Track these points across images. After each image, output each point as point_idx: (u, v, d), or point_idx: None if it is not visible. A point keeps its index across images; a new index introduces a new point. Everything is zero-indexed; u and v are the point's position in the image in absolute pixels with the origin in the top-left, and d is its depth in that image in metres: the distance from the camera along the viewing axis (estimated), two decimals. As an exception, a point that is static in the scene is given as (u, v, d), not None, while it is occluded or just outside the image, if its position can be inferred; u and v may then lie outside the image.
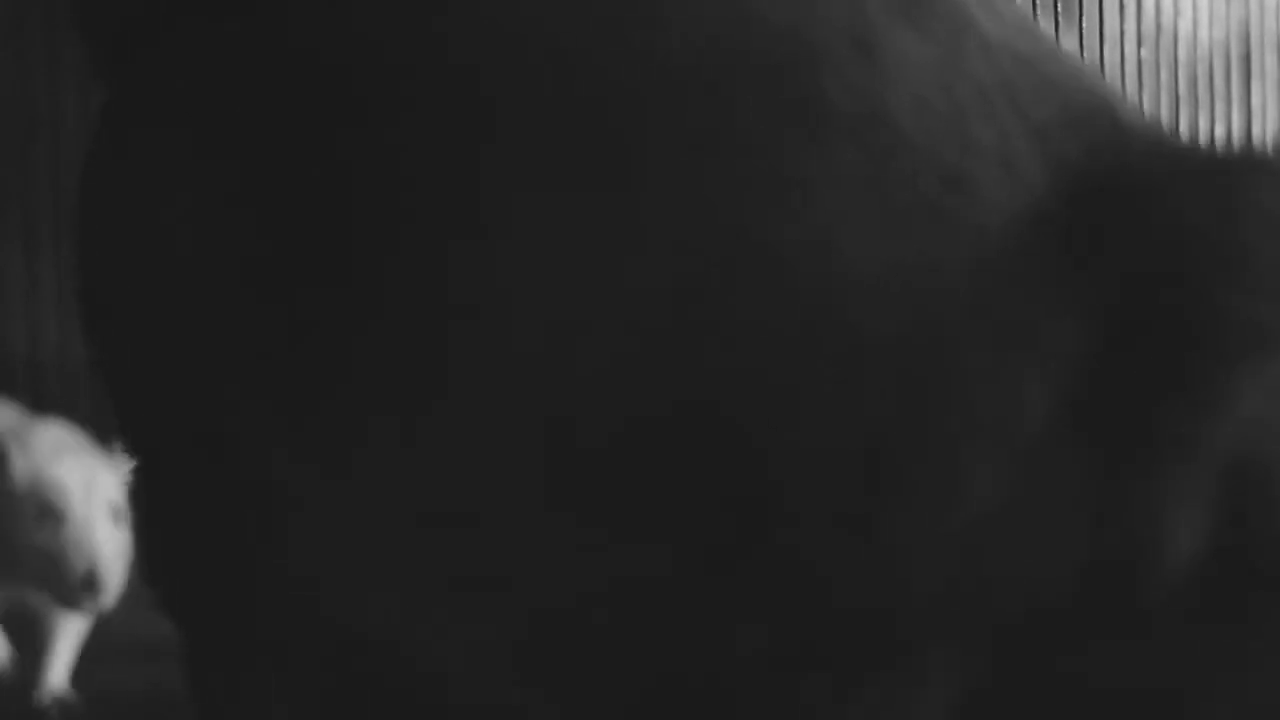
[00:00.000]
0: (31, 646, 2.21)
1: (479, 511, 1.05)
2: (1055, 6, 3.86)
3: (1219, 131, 3.95)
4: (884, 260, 0.97)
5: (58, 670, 2.21)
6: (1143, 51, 3.94)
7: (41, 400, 2.58)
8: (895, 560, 0.96)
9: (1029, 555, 0.95)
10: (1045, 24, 3.80)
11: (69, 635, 2.21)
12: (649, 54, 1.03)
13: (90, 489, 2.06)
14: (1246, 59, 4.06)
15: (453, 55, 1.09)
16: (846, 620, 0.97)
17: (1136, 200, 1.00)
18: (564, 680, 1.06)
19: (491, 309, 1.03)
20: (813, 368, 0.96)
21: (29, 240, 3.12)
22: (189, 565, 1.23)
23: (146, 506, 1.26)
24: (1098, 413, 0.96)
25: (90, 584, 2.02)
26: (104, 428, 2.08)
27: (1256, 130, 3.98)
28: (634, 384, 0.99)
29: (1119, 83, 3.82)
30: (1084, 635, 0.95)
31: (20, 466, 2.05)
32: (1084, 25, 3.87)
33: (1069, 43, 3.80)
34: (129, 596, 2.22)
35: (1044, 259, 0.98)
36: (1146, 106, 3.82)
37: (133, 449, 1.27)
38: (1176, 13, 3.98)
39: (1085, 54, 3.84)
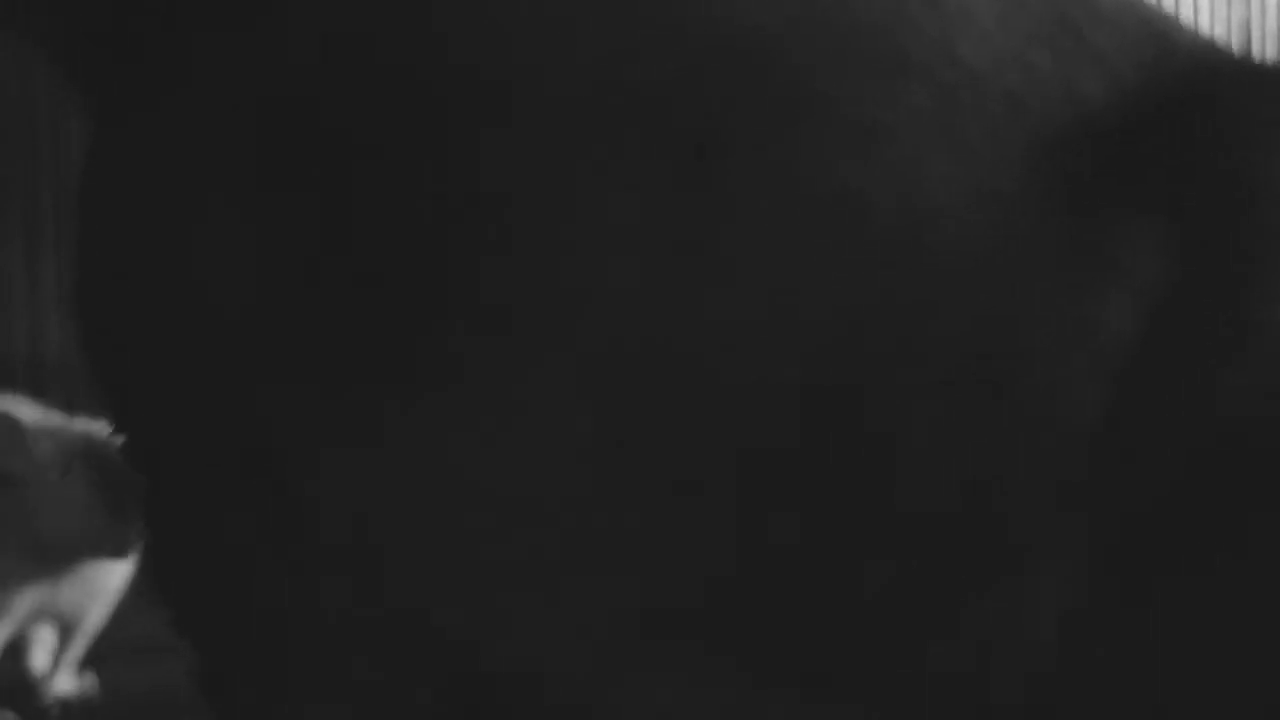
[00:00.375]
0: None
1: (592, 493, 1.06)
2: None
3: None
4: (958, 189, 1.02)
5: (64, 672, 2.21)
6: (1144, 51, 3.93)
7: (42, 400, 2.57)
8: (1007, 477, 0.99)
9: (1132, 464, 0.98)
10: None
11: (81, 638, 2.21)
12: (720, 30, 1.06)
13: None
14: (1247, 58, 4.05)
15: (507, 49, 1.10)
16: (963, 541, 1.01)
17: (1192, 110, 1.04)
18: (686, 652, 1.07)
19: (590, 292, 1.05)
20: (906, 303, 1.01)
21: (30, 240, 3.12)
22: (209, 579, 1.21)
23: (161, 525, 1.24)
24: (1181, 318, 0.99)
25: None
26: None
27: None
28: (741, 345, 1.03)
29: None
30: (1195, 542, 0.97)
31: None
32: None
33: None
34: (129, 597, 2.22)
35: (1105, 172, 1.03)
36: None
37: (145, 467, 1.25)
38: (1177, 11, 3.97)
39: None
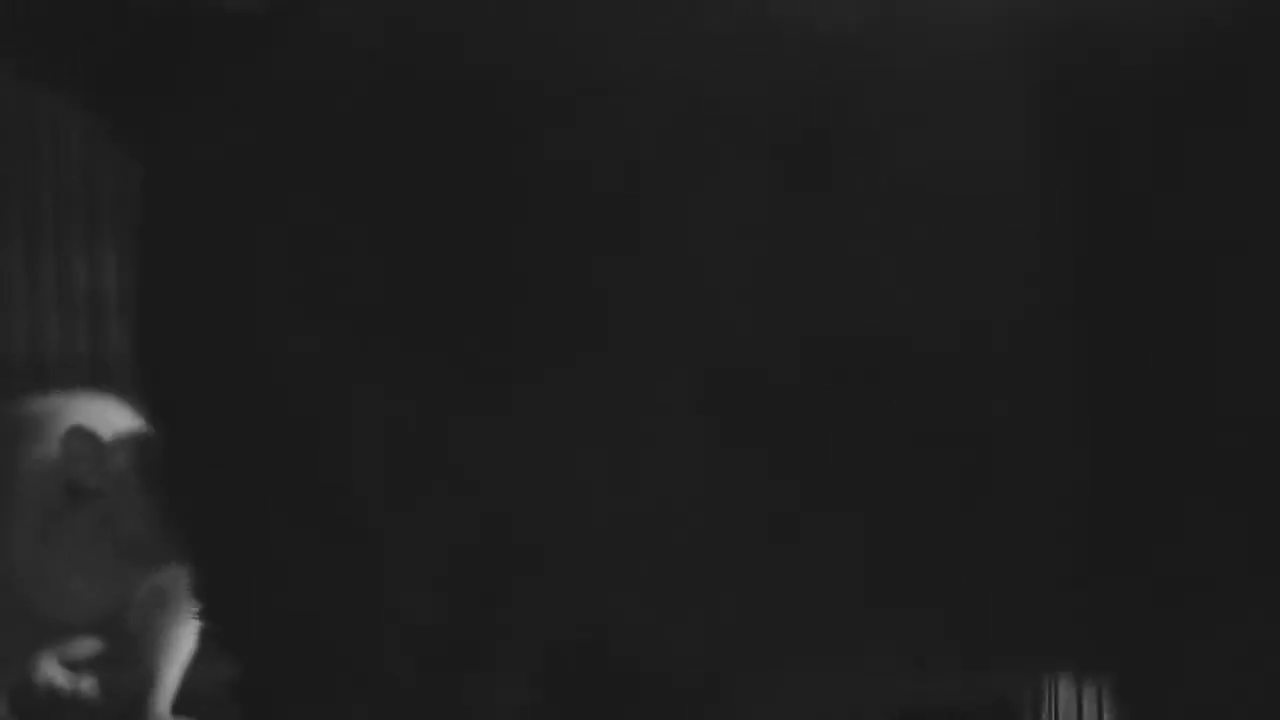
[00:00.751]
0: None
1: (726, 493, 1.08)
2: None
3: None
4: (999, 137, 1.07)
5: (164, 696, 2.22)
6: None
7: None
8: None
9: None
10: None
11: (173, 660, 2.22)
12: (808, 32, 1.11)
13: None
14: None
15: (596, 63, 1.11)
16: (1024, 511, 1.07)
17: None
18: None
19: (715, 292, 1.08)
20: (972, 273, 1.05)
21: (30, 240, 3.12)
22: (256, 593, 1.20)
23: (208, 538, 1.23)
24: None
25: None
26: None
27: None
28: (874, 327, 1.07)
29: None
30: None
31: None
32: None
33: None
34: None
35: (1185, 114, 1.06)
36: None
37: (192, 479, 1.23)
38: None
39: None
